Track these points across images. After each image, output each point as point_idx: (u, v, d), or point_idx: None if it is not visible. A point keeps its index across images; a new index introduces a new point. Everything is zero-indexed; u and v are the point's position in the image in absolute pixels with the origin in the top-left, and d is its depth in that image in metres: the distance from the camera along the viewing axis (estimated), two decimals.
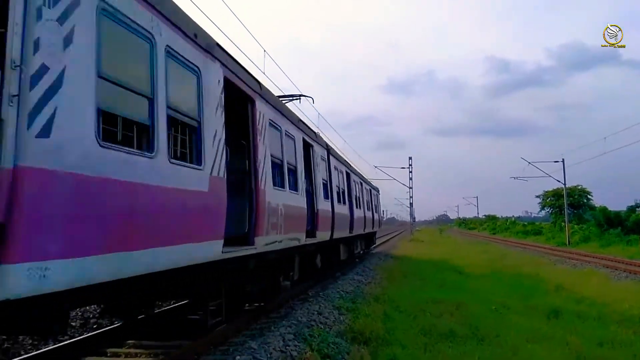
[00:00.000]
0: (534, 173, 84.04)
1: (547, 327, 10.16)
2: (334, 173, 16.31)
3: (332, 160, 16.34)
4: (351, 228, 19.22)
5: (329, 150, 15.96)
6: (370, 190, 28.93)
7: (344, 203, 18.00)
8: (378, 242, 48.78)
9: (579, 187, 61.10)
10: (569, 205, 50.63)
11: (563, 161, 47.28)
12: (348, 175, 20.07)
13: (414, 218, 74.89)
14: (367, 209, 25.88)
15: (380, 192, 36.38)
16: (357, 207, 21.25)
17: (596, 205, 56.03)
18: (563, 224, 48.88)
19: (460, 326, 9.69)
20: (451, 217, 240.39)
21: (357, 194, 22.07)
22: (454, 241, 56.74)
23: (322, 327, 9.45)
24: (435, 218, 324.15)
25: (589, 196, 61.54)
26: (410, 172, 60.93)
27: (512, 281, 17.14)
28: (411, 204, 66.78)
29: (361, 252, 27.44)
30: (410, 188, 62.18)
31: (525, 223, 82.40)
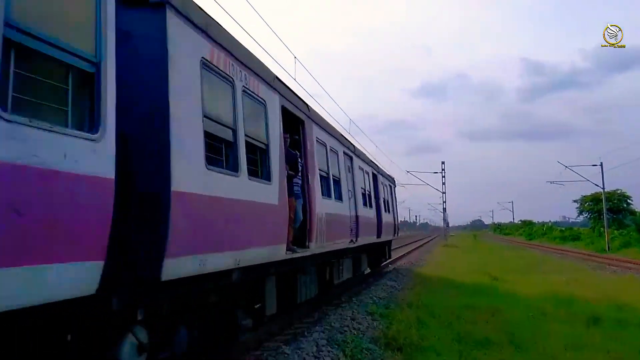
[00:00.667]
0: (571, 177, 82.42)
1: (586, 334, 9.89)
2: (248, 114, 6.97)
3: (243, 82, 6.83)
4: (326, 235, 10.53)
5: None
6: (374, 174, 18.48)
7: (310, 183, 9.72)
8: (412, 246, 48.41)
9: (619, 192, 59.41)
10: (608, 210, 49.26)
11: (601, 164, 46.19)
12: (325, 144, 11.45)
13: (448, 223, 74.07)
14: (367, 203, 16.15)
15: (396, 185, 26.27)
16: (337, 197, 12.06)
17: (637, 210, 54.41)
18: (602, 229, 47.60)
19: (496, 333, 9.52)
20: (486, 223, 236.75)
21: (342, 175, 12.77)
22: (489, 247, 55.84)
23: (356, 332, 9.45)
24: (469, 223, 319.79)
25: (629, 200, 59.69)
26: (443, 177, 60.35)
27: (550, 287, 16.76)
28: (444, 209, 66.07)
29: (364, 272, 18.88)
30: (443, 193, 61.56)
31: (563, 228, 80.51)
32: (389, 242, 23.34)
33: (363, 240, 14.71)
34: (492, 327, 10.16)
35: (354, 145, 15.22)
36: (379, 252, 21.16)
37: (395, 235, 24.37)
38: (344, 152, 13.55)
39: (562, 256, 37.90)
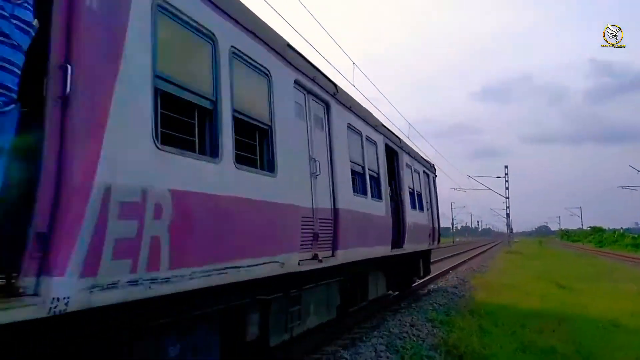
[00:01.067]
0: None
1: None
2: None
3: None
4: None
5: None
6: (391, 149, 12.21)
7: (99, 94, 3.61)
8: (473, 252, 47.41)
9: None
10: None
11: None
12: (212, 37, 5.02)
13: (511, 229, 71.93)
14: (369, 191, 9.93)
15: (436, 175, 18.63)
16: (265, 166, 6.01)
17: None
18: None
19: (563, 343, 9.16)
20: (552, 229, 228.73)
21: (279, 122, 6.31)
22: (556, 253, 53.85)
23: (415, 339, 9.34)
24: (534, 229, 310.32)
25: None
26: (507, 181, 58.80)
27: (621, 297, 15.98)
28: (508, 215, 64.26)
29: (387, 296, 14.16)
30: (506, 198, 59.96)
31: (636, 235, 76.65)
32: (424, 254, 15.94)
33: (353, 254, 8.58)
34: (558, 336, 9.79)
35: (335, 85, 8.49)
36: (410, 266, 14.74)
37: (434, 242, 16.83)
38: (304, 88, 7.30)
39: (634, 264, 36.06)
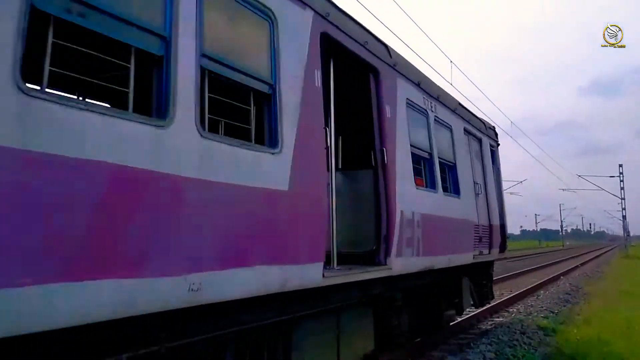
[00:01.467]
0: None
1: None
2: None
3: None
4: None
5: None
6: (370, 63, 5.89)
7: None
8: (585, 258, 44.46)
9: None
10: None
11: None
12: None
13: (629, 232, 66.92)
14: (260, 132, 4.14)
15: (498, 144, 11.60)
16: None
17: None
18: None
19: None
20: None
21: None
22: None
23: (526, 347, 8.93)
24: None
25: None
26: (622, 181, 54.82)
27: None
28: (624, 217, 59.84)
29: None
30: (622, 199, 55.87)
31: None
32: (471, 270, 9.42)
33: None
34: None
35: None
36: (435, 296, 8.47)
37: (491, 250, 10.09)
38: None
39: None
